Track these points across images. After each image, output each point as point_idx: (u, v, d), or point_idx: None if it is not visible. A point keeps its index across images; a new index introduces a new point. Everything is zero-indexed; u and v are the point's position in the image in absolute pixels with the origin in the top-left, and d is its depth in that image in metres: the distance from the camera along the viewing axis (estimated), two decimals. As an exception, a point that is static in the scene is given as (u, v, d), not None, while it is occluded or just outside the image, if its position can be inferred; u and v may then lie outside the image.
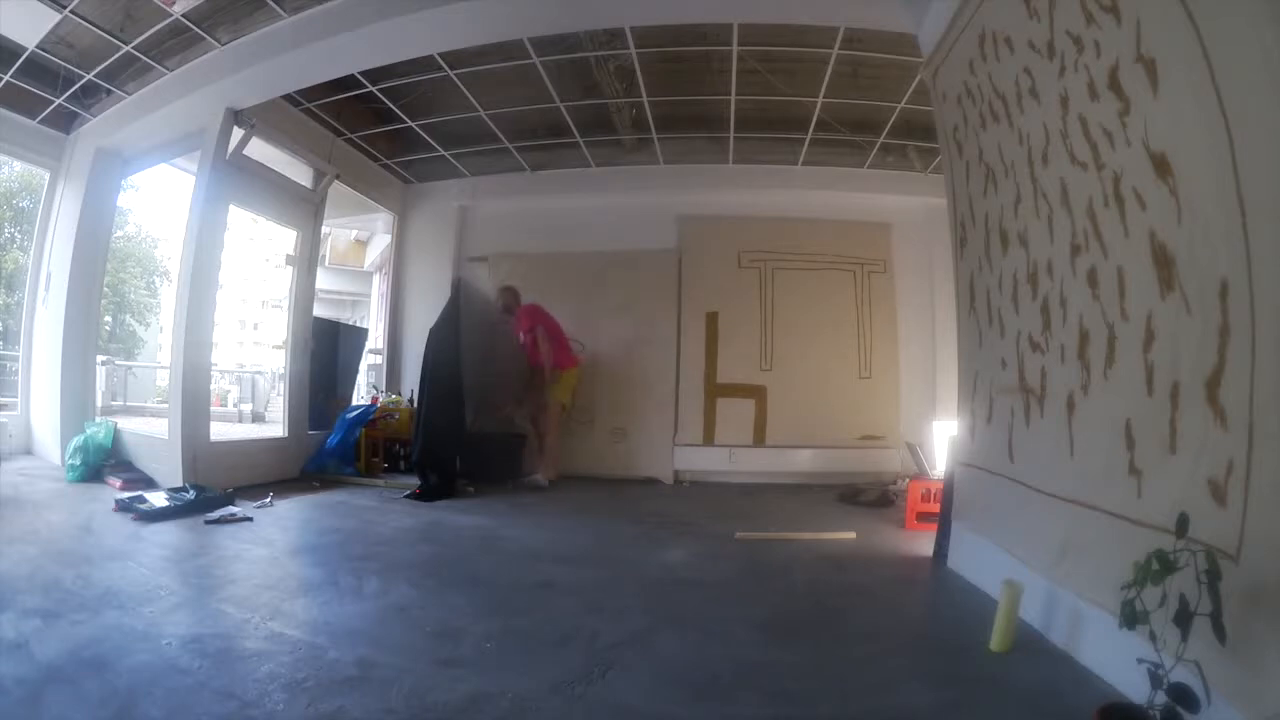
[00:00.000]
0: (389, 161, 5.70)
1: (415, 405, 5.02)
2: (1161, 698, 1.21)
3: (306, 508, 3.76)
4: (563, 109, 4.66)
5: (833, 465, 5.12)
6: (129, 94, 4.35)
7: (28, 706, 1.38)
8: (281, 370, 5.60)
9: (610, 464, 5.31)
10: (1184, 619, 1.19)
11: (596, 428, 5.44)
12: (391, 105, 4.69)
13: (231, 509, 3.37)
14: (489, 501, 4.12)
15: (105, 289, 6.12)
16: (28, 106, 4.48)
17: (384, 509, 3.76)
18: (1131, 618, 1.26)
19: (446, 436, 4.61)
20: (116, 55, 3.94)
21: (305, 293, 5.00)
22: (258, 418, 10.20)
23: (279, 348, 7.79)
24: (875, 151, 5.12)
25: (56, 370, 4.56)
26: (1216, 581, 1.17)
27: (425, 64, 4.04)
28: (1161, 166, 1.49)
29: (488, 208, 6.01)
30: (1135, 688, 1.38)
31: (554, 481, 4.78)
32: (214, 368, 5.45)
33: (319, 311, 5.46)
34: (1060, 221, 1.99)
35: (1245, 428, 1.25)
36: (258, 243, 31.23)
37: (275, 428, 5.77)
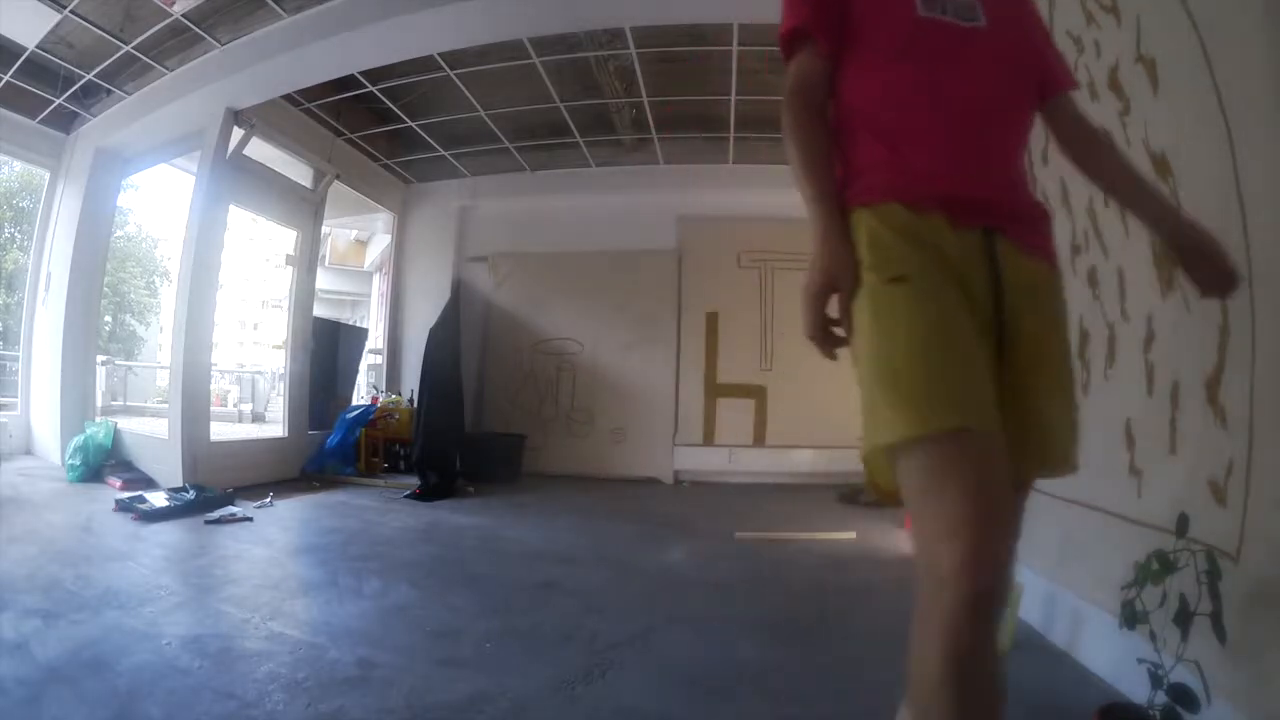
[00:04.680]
0: (389, 161, 5.70)
1: (415, 405, 5.02)
2: (1161, 698, 1.21)
3: (306, 508, 3.76)
4: (563, 109, 4.66)
5: (833, 465, 5.10)
6: (129, 94, 4.35)
7: (28, 706, 1.37)
8: (281, 370, 5.60)
9: (610, 464, 5.31)
10: (1184, 619, 1.19)
11: (596, 428, 5.44)
12: (391, 105, 4.69)
13: (231, 509, 3.36)
14: (489, 501, 4.12)
15: (105, 289, 6.12)
16: (28, 106, 4.48)
17: (384, 509, 3.75)
18: (1131, 618, 1.26)
19: (446, 436, 4.62)
20: (116, 55, 3.94)
21: (305, 293, 5.00)
22: (258, 418, 10.23)
23: (279, 348, 7.79)
24: (875, 151, 5.12)
25: (56, 370, 4.56)
26: (1216, 581, 1.17)
27: (425, 64, 4.04)
28: (1161, 166, 1.48)
29: (488, 208, 6.00)
30: (1135, 688, 1.38)
31: None
32: (214, 368, 5.45)
33: (319, 311, 5.47)
34: (1060, 221, 1.98)
35: (1245, 428, 1.25)
36: (258, 243, 31.20)
37: (275, 428, 5.78)
